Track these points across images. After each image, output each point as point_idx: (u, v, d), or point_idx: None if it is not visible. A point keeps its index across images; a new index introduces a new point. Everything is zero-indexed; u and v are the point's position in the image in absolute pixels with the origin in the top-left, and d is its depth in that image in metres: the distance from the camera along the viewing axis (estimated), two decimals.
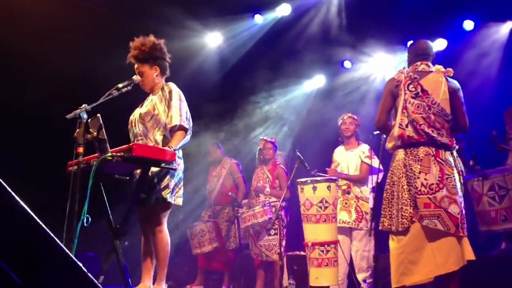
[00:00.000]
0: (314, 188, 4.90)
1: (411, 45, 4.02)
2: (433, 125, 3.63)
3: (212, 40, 8.08)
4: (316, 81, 8.50)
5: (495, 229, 4.69)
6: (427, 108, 3.65)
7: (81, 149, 3.22)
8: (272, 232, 5.52)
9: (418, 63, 3.85)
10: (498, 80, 6.52)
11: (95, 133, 3.33)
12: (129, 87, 3.75)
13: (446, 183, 3.55)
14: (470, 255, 3.55)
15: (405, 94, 3.72)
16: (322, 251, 4.83)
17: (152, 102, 3.98)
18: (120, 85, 3.70)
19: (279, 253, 5.09)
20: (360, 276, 5.13)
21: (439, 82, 3.71)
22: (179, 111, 3.88)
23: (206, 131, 7.57)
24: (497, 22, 6.91)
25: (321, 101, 8.29)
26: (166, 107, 3.93)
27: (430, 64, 3.85)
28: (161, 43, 4.11)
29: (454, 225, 3.50)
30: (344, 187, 5.34)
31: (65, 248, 1.73)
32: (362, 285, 4.94)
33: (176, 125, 3.85)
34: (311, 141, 7.72)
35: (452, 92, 3.72)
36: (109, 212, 3.70)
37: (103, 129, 3.33)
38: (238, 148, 8.19)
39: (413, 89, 3.71)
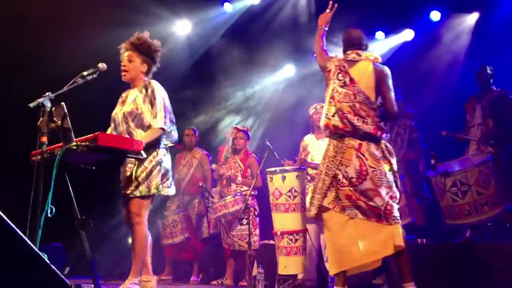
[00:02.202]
0: (283, 178, 4.93)
1: (343, 34, 4.07)
2: (358, 113, 3.67)
3: (181, 28, 7.99)
4: (286, 71, 8.49)
5: (460, 223, 4.80)
6: (352, 97, 3.70)
7: (44, 139, 3.14)
8: (244, 221, 5.50)
9: (349, 52, 3.92)
10: (464, 70, 6.63)
11: (59, 122, 3.25)
12: (94, 75, 3.67)
13: (371, 175, 3.58)
14: (398, 242, 3.55)
15: (334, 83, 3.79)
16: (291, 240, 4.86)
17: (135, 101, 4.00)
18: (85, 73, 3.61)
19: (248, 243, 5.10)
20: (329, 264, 5.17)
21: (366, 70, 3.76)
22: (163, 113, 3.94)
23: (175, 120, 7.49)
24: (463, 13, 7.02)
25: (291, 90, 8.29)
26: (150, 106, 3.97)
27: (361, 53, 3.91)
28: (160, 50, 4.18)
29: (375, 215, 3.56)
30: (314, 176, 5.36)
31: (26, 239, 1.69)
32: (330, 273, 4.97)
33: (158, 127, 3.91)
34: (281, 130, 7.74)
35: (379, 78, 3.75)
36: (74, 203, 3.63)
37: (68, 118, 3.26)
38: (207, 137, 8.15)
39: (342, 78, 3.77)
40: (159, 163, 3.90)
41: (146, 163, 3.84)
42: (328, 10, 4.25)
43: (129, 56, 4.07)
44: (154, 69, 4.19)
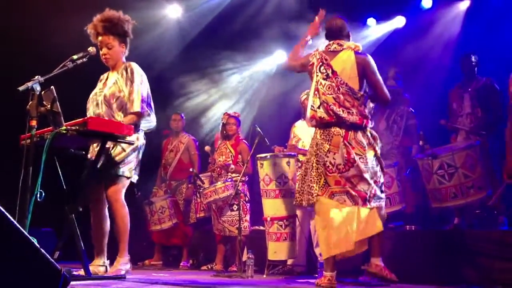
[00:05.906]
0: (274, 164, 4.94)
1: (325, 23, 4.09)
2: (343, 104, 3.74)
3: (171, 12, 7.91)
4: (277, 57, 8.45)
5: (446, 206, 4.82)
6: (336, 89, 3.76)
7: (34, 122, 3.13)
8: (235, 207, 5.51)
9: (331, 42, 3.95)
10: (455, 58, 6.63)
11: (49, 106, 3.23)
12: (84, 59, 3.65)
13: (358, 163, 3.67)
14: (378, 226, 3.68)
15: (317, 76, 3.85)
16: (281, 226, 4.89)
17: (117, 84, 3.94)
18: (75, 57, 3.60)
19: (238, 228, 5.11)
20: (318, 250, 5.20)
21: (348, 60, 3.80)
22: (140, 96, 3.86)
23: (165, 104, 7.48)
24: (454, 0, 7.00)
25: (282, 77, 8.26)
26: (130, 89, 3.91)
27: (343, 43, 3.92)
28: (130, 21, 4.08)
29: (362, 200, 3.67)
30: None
31: (15, 223, 1.68)
32: (319, 259, 5.01)
33: (135, 112, 3.85)
34: (271, 116, 7.72)
35: (363, 67, 3.80)
36: (64, 187, 3.62)
37: (57, 102, 3.24)
38: (196, 123, 8.13)
39: (324, 71, 3.83)
40: (137, 149, 3.89)
41: (124, 146, 3.79)
42: (316, 18, 4.25)
43: (106, 42, 3.97)
44: (128, 41, 4.14)
